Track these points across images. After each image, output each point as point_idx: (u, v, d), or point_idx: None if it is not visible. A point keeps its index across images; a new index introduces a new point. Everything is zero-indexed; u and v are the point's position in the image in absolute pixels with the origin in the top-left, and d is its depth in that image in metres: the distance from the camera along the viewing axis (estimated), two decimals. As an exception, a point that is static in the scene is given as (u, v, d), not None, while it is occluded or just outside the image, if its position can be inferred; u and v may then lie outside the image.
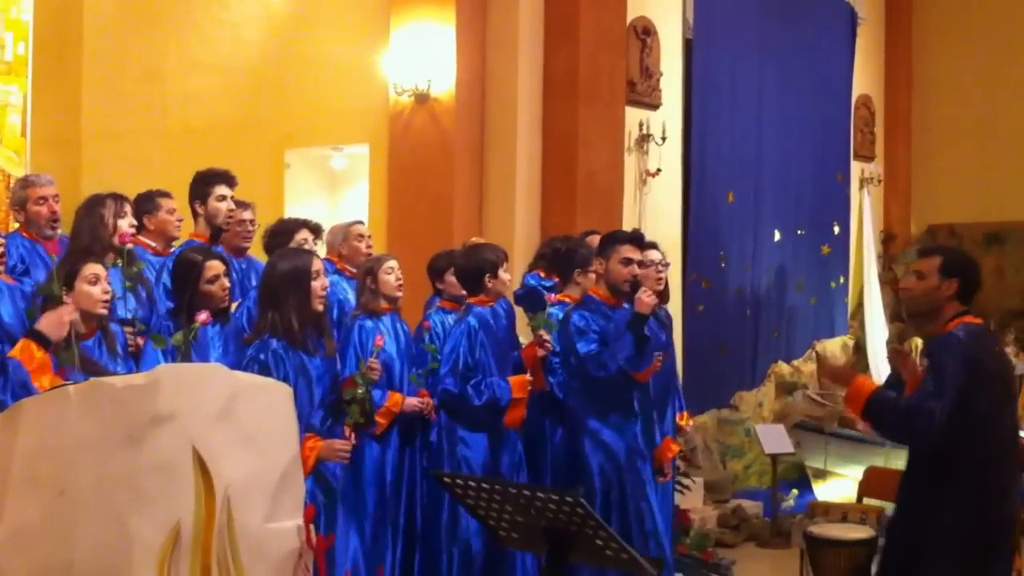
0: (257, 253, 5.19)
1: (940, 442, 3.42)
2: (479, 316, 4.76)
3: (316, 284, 3.80)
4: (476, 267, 4.81)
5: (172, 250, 4.67)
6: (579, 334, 4.65)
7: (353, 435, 4.11)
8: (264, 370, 3.62)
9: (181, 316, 3.87)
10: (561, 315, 4.97)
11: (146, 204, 4.72)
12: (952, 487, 3.49)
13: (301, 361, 3.76)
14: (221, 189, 4.74)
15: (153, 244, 4.70)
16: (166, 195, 4.84)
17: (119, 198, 4.32)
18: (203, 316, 3.51)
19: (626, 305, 4.74)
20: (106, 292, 3.62)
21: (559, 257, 5.29)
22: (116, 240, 4.12)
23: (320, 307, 3.84)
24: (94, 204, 4.26)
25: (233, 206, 4.79)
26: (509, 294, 5.20)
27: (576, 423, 4.80)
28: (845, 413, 9.20)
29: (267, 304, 3.79)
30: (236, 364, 3.68)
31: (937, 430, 3.39)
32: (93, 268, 3.62)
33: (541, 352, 4.86)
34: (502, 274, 4.81)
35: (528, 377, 4.75)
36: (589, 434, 4.74)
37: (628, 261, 4.67)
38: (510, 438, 4.81)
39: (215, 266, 3.94)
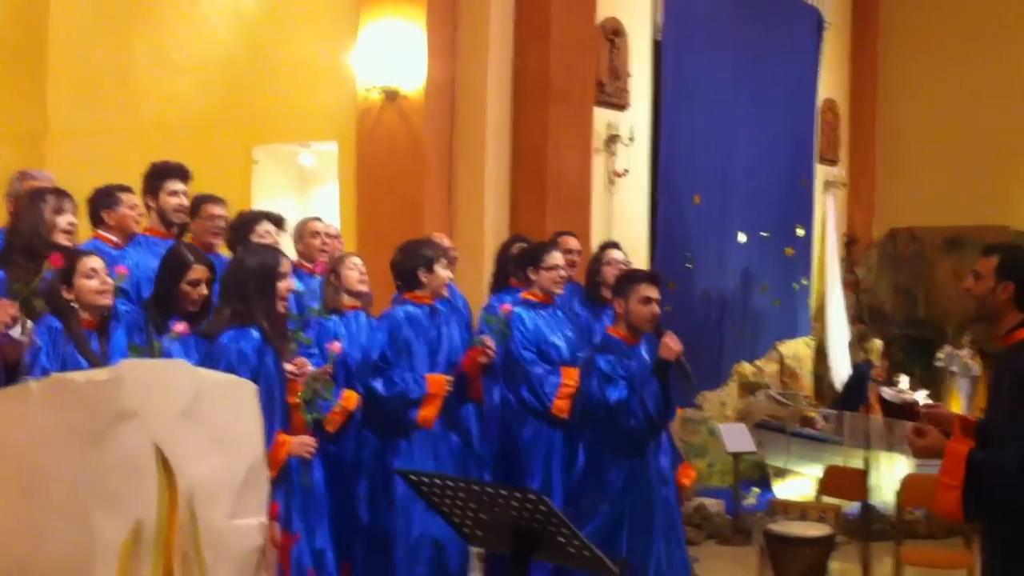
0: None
1: None
2: (408, 311, 4.72)
3: (282, 285, 3.81)
4: (411, 262, 4.78)
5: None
6: (608, 381, 4.42)
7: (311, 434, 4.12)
8: (242, 358, 3.63)
9: (155, 309, 3.87)
10: (523, 312, 4.99)
11: (106, 199, 4.68)
12: None
13: (269, 354, 3.77)
14: (173, 184, 4.66)
15: (113, 239, 4.68)
16: (126, 190, 4.79)
17: (61, 194, 4.25)
18: (180, 327, 3.51)
19: (644, 346, 4.62)
20: (105, 283, 3.68)
21: (520, 261, 5.32)
22: (55, 237, 4.06)
23: (283, 308, 3.85)
24: (35, 199, 4.17)
25: (185, 201, 4.69)
26: (463, 291, 5.19)
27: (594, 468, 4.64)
28: (806, 413, 9.33)
29: (232, 297, 3.78)
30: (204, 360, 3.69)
31: None
32: (90, 262, 3.69)
33: (483, 359, 4.79)
34: (439, 270, 4.77)
35: (448, 377, 4.68)
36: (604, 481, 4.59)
37: (648, 300, 4.52)
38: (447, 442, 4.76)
39: (200, 271, 3.94)
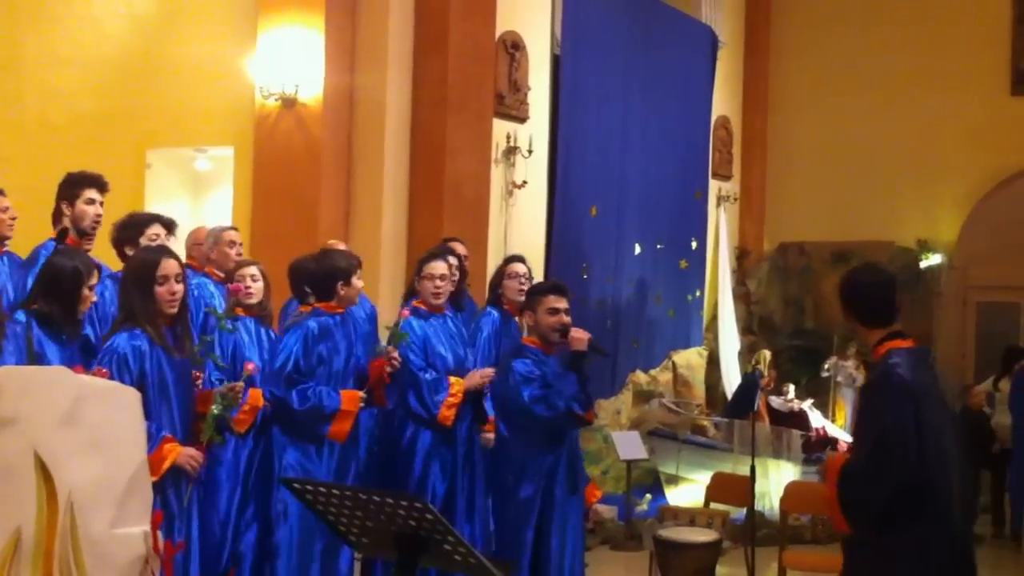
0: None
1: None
2: (321, 322, 4.71)
3: (162, 289, 3.68)
4: (328, 274, 4.75)
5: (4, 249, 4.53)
6: (525, 382, 4.59)
7: (204, 450, 4.03)
8: (121, 363, 3.52)
9: (59, 315, 3.79)
10: (413, 321, 5.02)
11: None
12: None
13: (161, 358, 3.70)
14: (90, 193, 4.56)
15: None
16: None
17: None
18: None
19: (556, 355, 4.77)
20: None
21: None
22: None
23: (170, 310, 3.76)
24: None
25: (101, 211, 4.61)
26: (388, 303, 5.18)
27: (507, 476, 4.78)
28: (698, 421, 9.57)
29: (121, 300, 3.74)
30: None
31: (903, 473, 3.12)
32: None
33: (388, 368, 4.79)
34: (355, 282, 4.77)
35: (361, 393, 4.68)
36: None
37: (555, 311, 4.69)
38: (350, 451, 4.75)
39: (97, 275, 3.89)
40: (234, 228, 5.62)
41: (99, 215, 4.64)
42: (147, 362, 3.58)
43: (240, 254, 5.43)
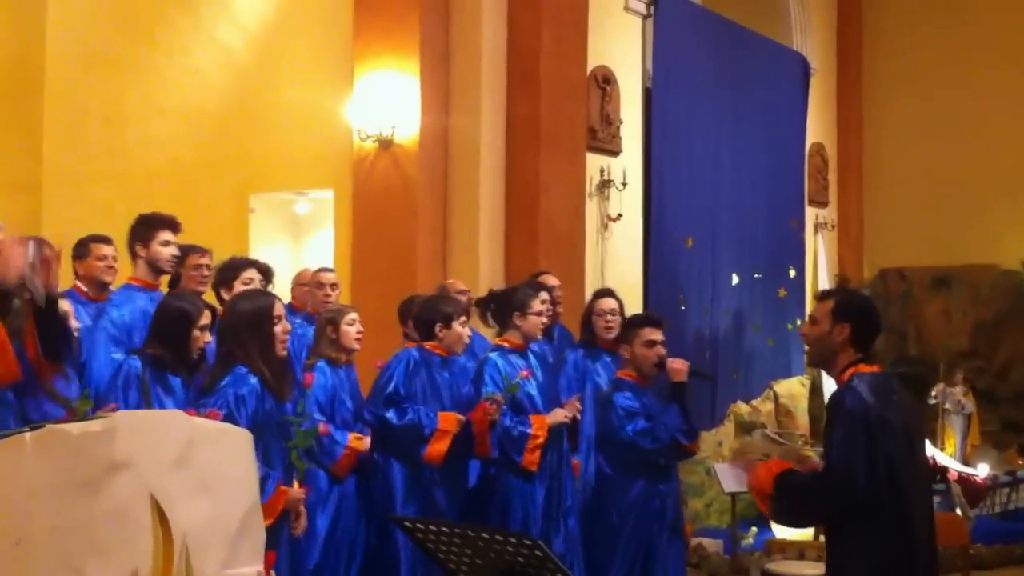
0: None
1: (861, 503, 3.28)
2: (423, 353, 4.83)
3: (278, 328, 3.77)
4: (428, 317, 4.90)
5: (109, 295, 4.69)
6: (629, 417, 4.71)
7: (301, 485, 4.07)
8: (239, 403, 3.59)
9: (168, 356, 3.91)
10: (498, 359, 4.96)
11: (77, 249, 4.73)
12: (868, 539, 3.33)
13: (270, 399, 3.75)
14: (165, 235, 4.68)
15: (85, 289, 4.71)
16: (101, 240, 4.82)
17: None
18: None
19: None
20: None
21: (498, 304, 5.26)
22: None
23: (283, 352, 3.83)
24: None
25: (176, 252, 4.72)
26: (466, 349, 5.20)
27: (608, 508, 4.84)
28: (803, 452, 9.31)
29: (229, 344, 3.74)
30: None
31: (852, 496, 3.27)
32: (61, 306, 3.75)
33: (490, 417, 4.76)
34: (456, 327, 4.85)
35: (460, 416, 4.74)
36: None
37: (652, 343, 4.79)
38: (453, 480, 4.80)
39: (207, 316, 4.01)
40: (329, 269, 5.80)
41: (175, 256, 4.72)
42: (261, 403, 3.65)
43: (328, 296, 5.54)
